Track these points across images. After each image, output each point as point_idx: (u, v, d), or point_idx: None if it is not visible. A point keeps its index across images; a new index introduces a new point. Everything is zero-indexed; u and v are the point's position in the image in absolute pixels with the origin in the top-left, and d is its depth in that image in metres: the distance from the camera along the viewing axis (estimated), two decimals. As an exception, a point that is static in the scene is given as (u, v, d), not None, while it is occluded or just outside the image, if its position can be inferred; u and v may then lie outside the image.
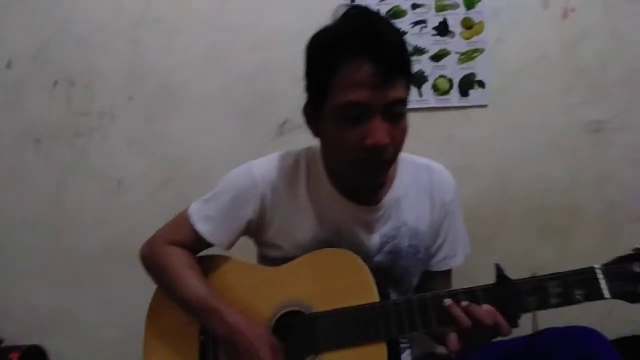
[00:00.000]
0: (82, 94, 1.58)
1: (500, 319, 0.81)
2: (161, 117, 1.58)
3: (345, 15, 0.90)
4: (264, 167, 1.02)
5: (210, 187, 1.06)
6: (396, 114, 0.87)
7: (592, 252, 1.47)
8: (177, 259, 1.02)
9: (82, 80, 1.58)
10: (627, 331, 1.43)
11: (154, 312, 1.07)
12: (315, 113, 0.93)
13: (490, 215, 1.50)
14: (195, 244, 1.04)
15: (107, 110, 1.59)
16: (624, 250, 1.46)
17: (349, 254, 0.96)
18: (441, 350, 1.18)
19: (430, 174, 1.05)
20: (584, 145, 1.49)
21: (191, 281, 1.00)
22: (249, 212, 1.01)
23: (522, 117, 1.50)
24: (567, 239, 1.49)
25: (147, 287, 1.07)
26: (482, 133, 1.51)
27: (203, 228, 1.02)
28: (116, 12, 1.56)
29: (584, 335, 0.89)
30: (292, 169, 1.02)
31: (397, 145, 0.89)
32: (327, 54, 0.87)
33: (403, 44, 0.88)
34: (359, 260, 0.94)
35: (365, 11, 0.91)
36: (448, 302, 0.84)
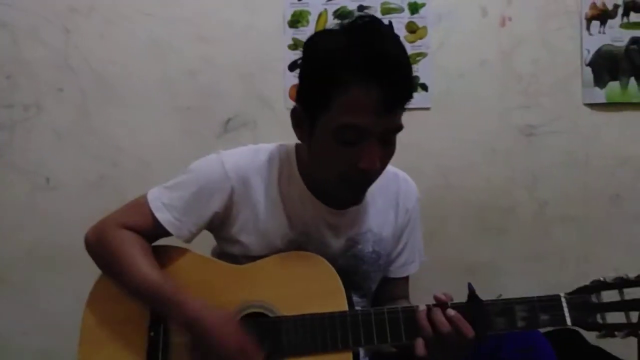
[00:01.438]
0: (5, 84, 1.47)
1: (465, 326, 0.82)
2: (95, 111, 1.50)
3: (355, 24, 0.85)
4: (235, 158, 0.97)
5: (153, 183, 0.99)
6: (390, 139, 0.87)
7: (525, 250, 1.55)
8: (130, 243, 0.94)
9: (4, 69, 1.46)
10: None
11: (96, 300, 0.97)
12: (308, 120, 0.89)
13: (432, 215, 1.53)
14: (151, 231, 0.97)
15: (33, 102, 1.48)
16: (554, 248, 1.56)
17: (319, 258, 0.94)
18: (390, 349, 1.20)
19: (397, 181, 1.06)
20: (519, 148, 1.56)
21: (146, 267, 0.92)
22: (215, 204, 0.96)
23: (463, 120, 1.55)
24: (503, 237, 1.56)
25: (77, 292, 0.99)
26: (425, 135, 1.54)
27: (163, 216, 0.95)
28: (46, -4, 1.46)
29: (522, 331, 0.92)
30: (265, 164, 0.98)
31: (383, 166, 0.89)
32: (334, 68, 0.82)
33: (410, 68, 0.86)
34: (329, 265, 0.93)
35: (376, 24, 0.86)
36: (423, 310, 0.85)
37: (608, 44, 1.55)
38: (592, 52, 1.55)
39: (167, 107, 1.51)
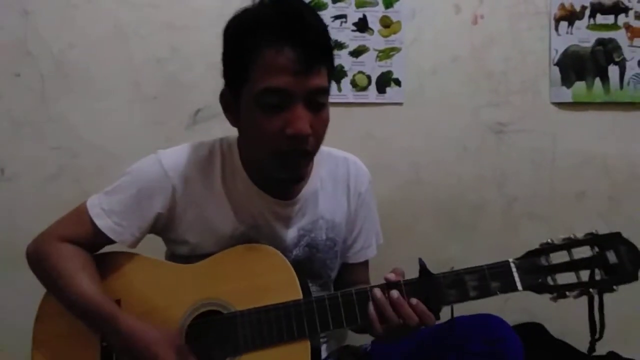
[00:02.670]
0: (-45, 67, 1.38)
1: (423, 309, 0.83)
2: (54, 99, 1.42)
3: None
4: (174, 157, 0.95)
5: (112, 179, 0.96)
6: (318, 102, 0.84)
7: (494, 246, 1.56)
8: (68, 258, 0.91)
9: (-45, 52, 1.37)
10: (522, 318, 1.54)
11: (46, 313, 0.95)
12: (233, 99, 0.87)
13: (405, 210, 1.54)
14: (94, 240, 0.94)
15: (-14, 88, 1.39)
16: (522, 243, 1.58)
17: (270, 249, 0.92)
18: (354, 341, 1.19)
19: (347, 166, 1.05)
20: (489, 145, 1.57)
21: (83, 284, 0.89)
22: (157, 205, 0.93)
23: (435, 116, 1.56)
24: (472, 233, 1.57)
25: (32, 290, 0.95)
26: (398, 130, 1.54)
27: (103, 223, 0.92)
28: (2, -24, 1.37)
29: (491, 323, 0.94)
30: (206, 159, 0.95)
31: (318, 136, 0.87)
32: (247, 36, 0.83)
33: (326, 31, 0.86)
34: (281, 256, 0.92)
35: None
36: (371, 294, 0.85)
37: (575, 45, 1.58)
38: (560, 52, 1.57)
39: (133, 96, 1.45)
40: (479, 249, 1.57)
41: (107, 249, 0.98)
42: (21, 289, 1.27)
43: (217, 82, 1.45)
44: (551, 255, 0.84)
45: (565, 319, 1.43)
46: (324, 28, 0.86)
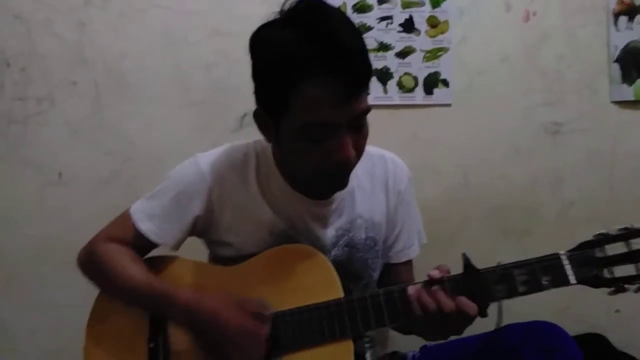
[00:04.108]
0: (18, 76, 1.44)
1: (466, 304, 0.79)
2: (108, 105, 1.47)
3: (298, 12, 0.79)
4: (211, 159, 0.96)
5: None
6: (360, 124, 0.83)
7: (548, 252, 1.49)
8: (118, 254, 0.95)
9: (19, 62, 1.44)
10: (582, 328, 1.46)
11: (97, 317, 0.97)
12: (271, 122, 0.85)
13: (452, 214, 1.50)
14: (138, 243, 0.96)
15: (46, 96, 1.45)
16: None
17: (310, 249, 0.92)
18: (402, 348, 1.16)
19: (384, 163, 1.02)
20: (543, 146, 1.51)
21: (135, 270, 0.92)
22: (195, 208, 0.94)
23: (484, 117, 1.51)
24: (526, 238, 1.51)
25: (86, 290, 0.98)
26: (445, 132, 1.50)
27: (145, 227, 0.95)
28: (61, -11, 1.43)
29: (547, 330, 0.90)
30: (242, 162, 0.96)
31: (360, 151, 0.85)
32: (284, 66, 0.77)
33: (366, 51, 0.80)
34: (321, 256, 0.91)
35: (321, 8, 0.79)
36: (412, 291, 0.82)
37: (636, 40, 1.49)
38: (620, 48, 1.49)
39: (181, 101, 1.48)
40: (531, 256, 1.50)
41: (151, 253, 1.00)
42: (77, 289, 1.32)
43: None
44: (607, 247, 0.80)
45: (629, 330, 1.35)
46: (364, 50, 0.79)
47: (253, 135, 1.43)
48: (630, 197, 1.51)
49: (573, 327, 1.38)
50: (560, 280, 0.79)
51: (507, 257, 1.47)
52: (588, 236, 1.51)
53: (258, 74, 0.84)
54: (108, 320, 0.96)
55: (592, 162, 1.50)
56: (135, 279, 0.91)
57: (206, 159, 0.96)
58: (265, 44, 0.81)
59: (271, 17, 0.83)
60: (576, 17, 1.51)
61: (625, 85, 1.50)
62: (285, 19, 0.80)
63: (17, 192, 1.45)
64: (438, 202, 1.47)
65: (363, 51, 0.79)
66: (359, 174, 0.98)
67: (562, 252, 0.81)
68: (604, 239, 0.80)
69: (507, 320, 0.90)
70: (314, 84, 0.76)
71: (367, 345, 1.04)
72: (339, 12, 0.84)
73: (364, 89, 0.81)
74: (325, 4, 0.81)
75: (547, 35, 1.50)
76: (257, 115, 0.88)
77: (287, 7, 0.81)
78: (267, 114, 0.85)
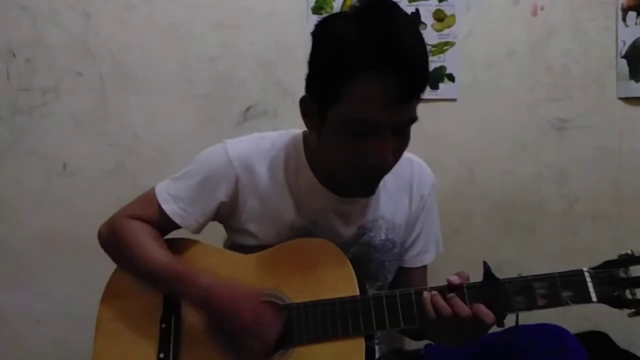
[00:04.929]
0: (23, 67, 1.44)
1: (483, 311, 0.78)
2: (113, 97, 1.47)
3: (370, 9, 0.79)
4: (240, 147, 0.96)
5: (171, 172, 0.98)
6: (404, 130, 0.82)
7: (552, 248, 1.49)
8: (139, 230, 0.95)
9: (24, 53, 1.44)
10: (585, 326, 1.46)
11: (111, 294, 0.97)
12: (317, 110, 0.85)
13: (457, 209, 1.49)
14: (160, 224, 0.97)
15: (51, 87, 1.45)
16: (584, 247, 1.50)
17: (329, 244, 0.91)
18: (407, 346, 1.16)
19: (411, 167, 1.02)
20: (548, 142, 1.50)
21: (156, 250, 0.92)
22: (221, 193, 0.94)
23: (490, 113, 1.50)
24: (530, 234, 1.50)
25: (91, 279, 0.98)
26: (451, 127, 1.50)
27: (170, 208, 0.95)
28: (66, -20, 1.43)
29: (552, 332, 0.90)
30: (270, 152, 0.95)
31: (396, 159, 0.85)
32: (344, 58, 0.77)
33: (426, 59, 0.79)
34: (339, 251, 0.90)
35: (393, 10, 0.79)
36: (428, 294, 0.81)
37: (644, 36, 1.48)
38: (628, 44, 1.48)
39: (186, 94, 1.47)
40: (535, 252, 1.50)
41: (171, 234, 1.00)
42: (81, 279, 1.34)
43: (266, 80, 1.49)
44: (630, 268, 0.79)
45: (632, 328, 1.34)
46: (425, 57, 0.79)
47: (257, 129, 1.45)
48: (636, 194, 1.50)
49: (576, 325, 1.39)
50: (582, 297, 0.79)
51: (511, 252, 1.49)
52: (592, 233, 1.52)
53: (315, 62, 0.84)
54: (122, 298, 0.96)
55: (598, 158, 1.50)
56: (157, 259, 0.91)
57: (235, 146, 0.96)
58: (328, 34, 0.82)
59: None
60: (584, 12, 1.49)
61: (632, 82, 1.48)
62: (353, 13, 0.81)
63: (22, 183, 1.46)
64: (442, 196, 1.45)
65: (423, 58, 0.79)
66: (386, 176, 0.97)
67: (585, 268, 0.80)
68: (628, 260, 0.79)
69: (511, 321, 0.91)
70: (368, 80, 0.76)
71: (375, 342, 1.05)
72: (407, 17, 0.84)
73: (416, 95, 0.79)
74: (397, 6, 0.80)
75: (555, 29, 1.49)
76: (304, 102, 0.88)
77: (358, 3, 0.81)
78: (315, 102, 0.85)
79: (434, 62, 1.49)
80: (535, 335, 0.89)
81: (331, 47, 0.80)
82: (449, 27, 1.49)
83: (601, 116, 1.49)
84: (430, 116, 1.50)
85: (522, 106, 1.50)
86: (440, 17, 1.49)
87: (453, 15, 1.49)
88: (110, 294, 0.97)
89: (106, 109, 1.47)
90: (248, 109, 1.48)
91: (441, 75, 1.49)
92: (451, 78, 1.49)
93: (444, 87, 1.50)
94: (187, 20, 1.46)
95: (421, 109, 1.45)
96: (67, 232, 1.45)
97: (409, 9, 1.48)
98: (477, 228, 1.50)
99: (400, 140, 0.83)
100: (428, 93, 1.46)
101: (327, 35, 0.82)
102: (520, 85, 1.50)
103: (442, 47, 1.49)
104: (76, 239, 1.43)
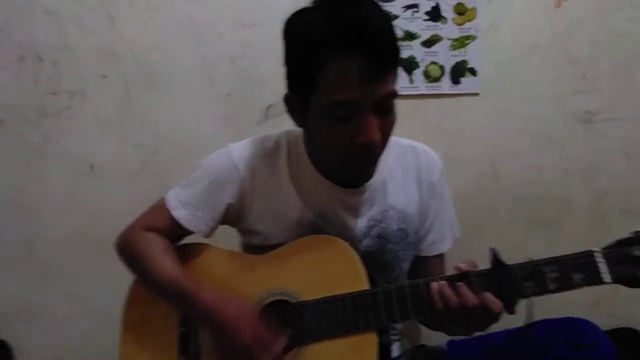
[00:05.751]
0: (50, 71, 1.47)
1: (491, 300, 0.78)
2: (137, 98, 1.49)
3: None
4: (242, 149, 0.98)
5: (189, 174, 1.00)
6: (386, 107, 0.83)
7: (581, 244, 1.44)
8: (151, 243, 0.97)
9: (51, 57, 1.47)
10: (614, 322, 1.43)
11: (133, 299, 1.00)
12: (300, 104, 0.87)
13: (480, 205, 1.47)
14: (173, 231, 0.99)
15: (78, 89, 1.48)
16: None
17: (337, 240, 0.92)
18: (430, 341, 1.15)
19: (416, 155, 1.02)
20: (575, 135, 1.47)
21: (165, 264, 0.94)
22: (227, 196, 0.96)
23: (513, 106, 1.48)
24: (557, 230, 1.48)
25: (119, 277, 1.00)
26: (473, 122, 1.48)
27: (180, 214, 0.97)
28: (91, -16, 1.46)
29: (579, 326, 0.88)
30: (273, 152, 0.97)
31: (385, 138, 0.85)
32: (313, 47, 0.80)
33: (393, 33, 0.82)
34: (347, 246, 0.91)
35: None
36: (435, 285, 0.81)
37: (674, 25, 1.43)
38: (657, 33, 1.44)
39: (208, 93, 1.49)
40: (562, 247, 1.43)
41: (185, 240, 1.02)
42: (108, 278, 1.36)
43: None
44: None
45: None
46: (391, 30, 0.81)
47: (278, 126, 1.44)
48: (667, 188, 1.46)
49: (605, 322, 1.35)
50: (594, 279, 0.77)
51: (536, 248, 1.46)
52: (622, 228, 1.48)
53: (288, 58, 0.86)
54: (144, 301, 0.98)
55: (626, 151, 1.46)
56: (164, 274, 0.93)
57: (238, 148, 0.98)
58: (295, 28, 0.84)
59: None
60: (611, 2, 1.46)
61: (662, 72, 1.44)
62: (315, 4, 0.83)
63: (51, 184, 1.49)
64: (465, 192, 1.45)
65: (390, 32, 0.81)
66: (390, 165, 0.98)
67: (596, 249, 0.78)
68: None
69: (536, 316, 0.88)
70: (340, 63, 0.78)
71: (394, 337, 1.05)
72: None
73: (390, 70, 0.81)
74: None
75: (580, 20, 1.46)
76: (287, 99, 0.90)
77: None
78: (296, 97, 0.87)
79: (455, 57, 1.47)
80: (561, 329, 0.87)
81: (299, 38, 0.83)
82: (469, 20, 1.47)
83: (630, 108, 1.45)
84: (452, 111, 1.49)
85: (546, 99, 1.47)
86: (460, 10, 1.47)
87: (474, 9, 1.47)
88: (133, 298, 1.00)
89: (131, 109, 1.49)
90: (269, 107, 1.49)
91: (463, 70, 1.48)
92: (473, 72, 1.48)
93: (466, 82, 1.48)
94: (208, 20, 1.48)
95: (443, 104, 1.48)
96: (94, 231, 1.47)
97: (429, 3, 1.47)
98: (501, 224, 1.48)
99: (385, 118, 0.83)
100: (449, 88, 1.48)
101: (294, 29, 0.84)
102: (544, 78, 1.47)
103: (463, 41, 1.47)
104: (103, 239, 1.43)
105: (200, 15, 1.47)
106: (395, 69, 0.83)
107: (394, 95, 0.83)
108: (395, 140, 0.99)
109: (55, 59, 1.48)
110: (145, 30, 1.47)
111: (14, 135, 1.47)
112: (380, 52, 0.78)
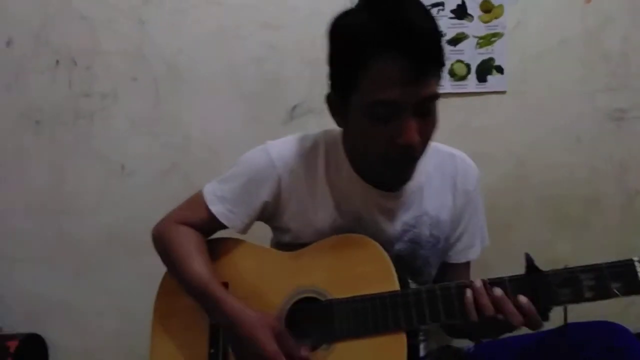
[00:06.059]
0: (84, 74, 1.53)
1: (531, 309, 0.77)
2: (166, 99, 1.53)
3: None
4: (281, 148, 0.98)
5: (221, 171, 1.02)
6: (428, 109, 0.82)
7: (611, 245, 1.42)
8: (184, 239, 0.98)
9: (84, 60, 1.52)
10: (646, 326, 1.39)
11: (165, 292, 1.02)
12: (341, 104, 0.87)
13: (507, 204, 1.46)
14: (208, 225, 1.00)
15: (109, 92, 1.53)
16: (646, 242, 1.42)
17: (368, 240, 0.92)
18: (456, 342, 1.14)
19: (454, 162, 1.01)
20: (605, 133, 1.44)
21: (195, 264, 0.95)
22: (264, 194, 0.97)
23: (541, 104, 1.45)
24: (585, 230, 1.45)
25: (150, 275, 1.02)
26: (500, 120, 1.46)
27: (216, 209, 0.98)
28: (121, -11, 1.50)
29: (610, 330, 0.86)
30: (311, 151, 0.97)
31: (426, 141, 0.85)
32: (356, 46, 0.80)
33: (438, 34, 0.80)
34: (378, 247, 0.91)
35: None
36: (469, 292, 0.80)
37: None
38: (693, 27, 1.39)
39: (234, 94, 1.51)
40: (592, 248, 1.44)
41: (219, 234, 1.03)
42: (140, 274, 1.40)
43: (312, 79, 1.51)
44: None
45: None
46: (436, 30, 0.80)
47: (303, 126, 1.47)
48: (703, 187, 1.41)
49: (636, 325, 1.32)
50: (633, 288, 0.74)
51: (564, 248, 1.43)
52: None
53: (331, 57, 0.86)
54: (175, 294, 0.99)
55: (661, 150, 1.42)
56: (194, 274, 0.94)
57: (276, 147, 0.98)
58: (339, 27, 0.84)
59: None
60: (642, -4, 1.42)
61: (697, 67, 1.40)
62: (360, 5, 0.83)
63: (84, 183, 1.54)
64: (491, 190, 1.42)
65: (434, 33, 0.80)
66: (429, 171, 0.98)
67: (636, 258, 0.76)
68: None
69: (568, 318, 0.87)
70: (383, 62, 0.77)
71: (420, 338, 1.04)
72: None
73: (432, 72, 0.80)
74: None
75: (611, 16, 1.43)
76: (328, 99, 0.90)
77: None
78: (338, 97, 0.87)
79: (481, 55, 1.46)
80: (592, 333, 0.85)
81: (343, 38, 0.83)
82: (496, 17, 1.45)
83: (663, 105, 1.41)
84: (479, 109, 1.47)
85: (576, 97, 1.44)
86: (487, 8, 1.45)
87: (501, 6, 1.45)
88: (164, 291, 1.02)
89: (160, 111, 1.53)
90: (294, 107, 1.50)
91: (489, 68, 1.46)
92: (500, 70, 1.46)
93: (493, 80, 1.46)
94: (234, 23, 1.50)
95: (469, 102, 1.47)
96: (126, 229, 1.52)
97: (455, 1, 1.46)
98: (529, 223, 1.46)
99: (425, 120, 0.82)
100: (475, 86, 1.47)
101: (338, 28, 0.84)
102: (573, 76, 1.45)
103: (489, 39, 1.46)
104: (135, 236, 1.49)
105: (227, 19, 1.50)
106: (439, 71, 0.81)
107: (436, 97, 0.81)
108: (435, 146, 0.98)
109: (88, 62, 1.52)
110: (173, 34, 1.51)
111: (49, 136, 1.53)
112: (423, 53, 0.77)
